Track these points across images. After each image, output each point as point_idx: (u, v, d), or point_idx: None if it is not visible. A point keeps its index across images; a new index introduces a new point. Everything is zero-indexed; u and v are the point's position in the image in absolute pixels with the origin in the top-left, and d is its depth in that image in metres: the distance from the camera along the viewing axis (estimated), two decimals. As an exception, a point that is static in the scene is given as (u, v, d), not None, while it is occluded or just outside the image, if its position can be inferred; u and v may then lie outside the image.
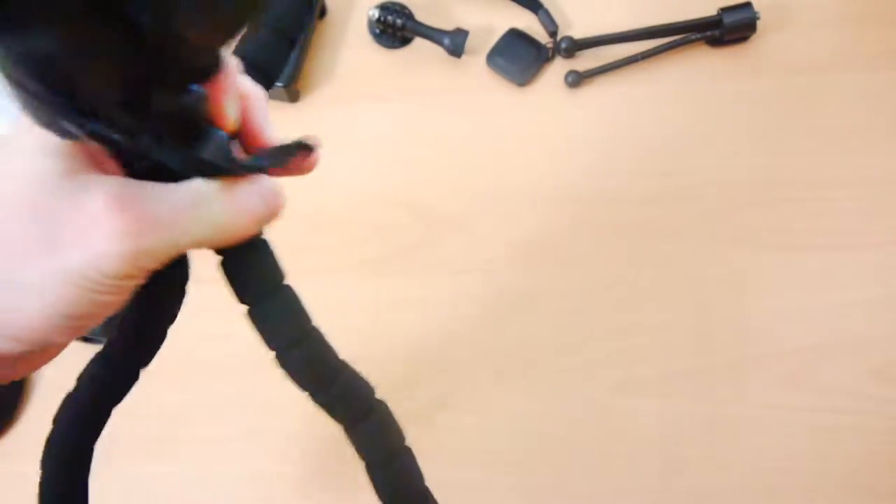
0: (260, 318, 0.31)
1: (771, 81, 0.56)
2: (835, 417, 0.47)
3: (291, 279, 0.55)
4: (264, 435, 0.51)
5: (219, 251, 0.28)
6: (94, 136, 0.21)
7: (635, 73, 0.57)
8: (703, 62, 0.57)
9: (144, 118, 0.22)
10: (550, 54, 0.58)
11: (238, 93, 0.26)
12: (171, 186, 0.24)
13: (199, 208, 0.24)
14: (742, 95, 0.56)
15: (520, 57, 0.57)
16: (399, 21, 0.58)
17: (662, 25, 0.56)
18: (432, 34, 0.58)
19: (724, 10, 0.55)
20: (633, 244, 0.52)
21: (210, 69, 0.22)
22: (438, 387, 0.50)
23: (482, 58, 0.58)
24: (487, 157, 0.56)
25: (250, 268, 0.30)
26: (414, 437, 0.49)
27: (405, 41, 0.60)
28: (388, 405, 0.34)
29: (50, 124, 0.21)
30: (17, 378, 0.27)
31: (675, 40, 0.56)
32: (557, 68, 0.58)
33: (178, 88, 0.22)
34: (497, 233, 0.54)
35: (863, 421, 0.47)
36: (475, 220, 0.54)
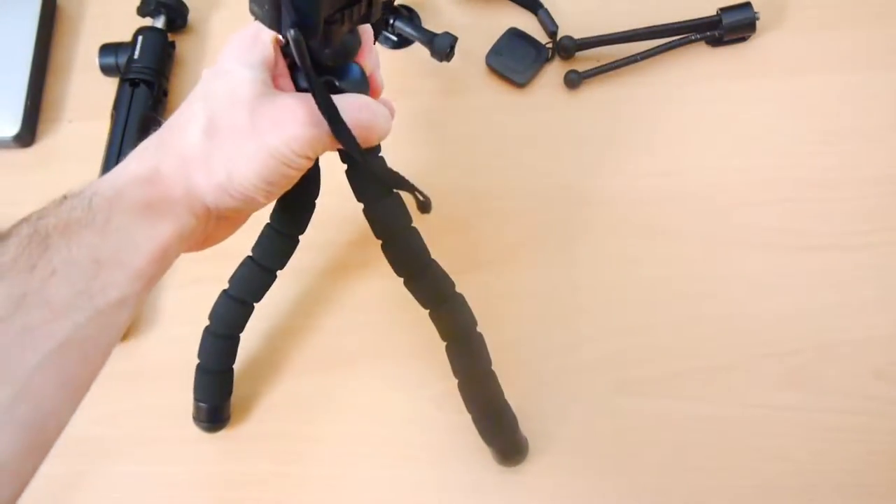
0: (372, 215, 0.40)
1: (771, 81, 0.56)
2: (835, 417, 0.47)
3: (291, 278, 0.55)
4: (262, 435, 0.51)
5: (347, 161, 0.39)
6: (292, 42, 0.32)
7: (635, 73, 0.57)
8: (703, 62, 0.57)
9: (331, 39, 0.34)
10: (550, 54, 0.58)
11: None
12: (337, 97, 0.34)
13: (354, 113, 0.35)
14: (742, 95, 0.56)
15: (520, 57, 0.57)
16: (391, 21, 0.57)
17: (662, 25, 0.56)
18: (420, 36, 0.57)
19: (724, 10, 0.55)
20: (633, 244, 0.52)
21: (370, 19, 0.36)
22: (438, 386, 0.50)
23: (482, 58, 0.58)
24: (487, 157, 0.56)
25: (368, 174, 0.39)
26: (414, 437, 0.49)
27: (406, 42, 0.60)
28: (464, 297, 0.43)
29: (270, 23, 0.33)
30: (223, 238, 0.39)
31: (674, 40, 0.56)
32: (557, 68, 0.58)
33: (354, 23, 0.35)
34: (497, 233, 0.54)
35: (863, 421, 0.47)
36: (475, 220, 0.54)
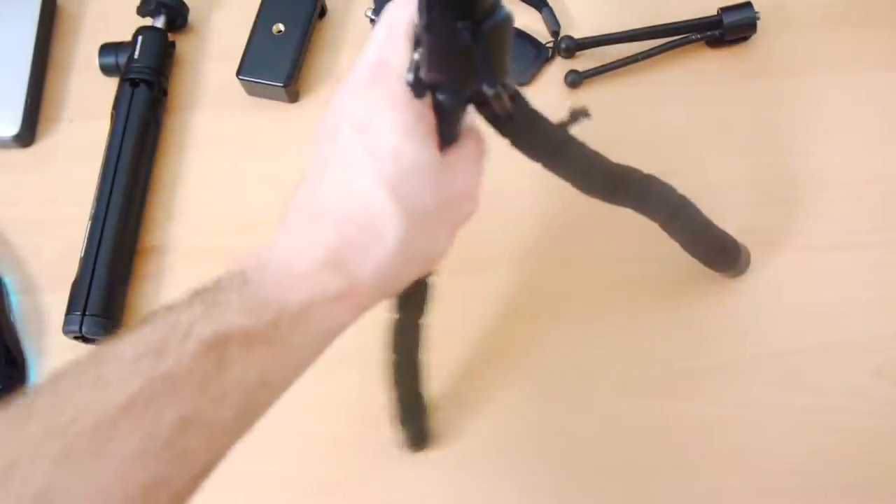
0: (562, 167, 0.41)
1: (771, 81, 0.56)
2: (835, 417, 0.47)
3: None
4: (261, 435, 0.50)
5: (507, 134, 0.39)
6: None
7: (635, 73, 0.57)
8: (703, 62, 0.57)
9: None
10: (550, 54, 0.58)
11: None
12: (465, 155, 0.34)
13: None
14: (742, 95, 0.56)
15: (520, 57, 0.57)
16: None
17: (662, 25, 0.56)
18: None
19: (724, 10, 0.55)
20: (633, 244, 0.52)
21: None
22: (438, 387, 0.50)
23: (482, 58, 0.58)
24: (488, 156, 0.56)
25: (536, 137, 0.40)
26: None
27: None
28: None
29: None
30: None
31: (675, 40, 0.56)
32: (557, 68, 0.58)
33: None
34: (497, 233, 0.54)
35: (863, 421, 0.47)
36: (475, 221, 0.54)
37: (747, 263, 0.50)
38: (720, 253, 0.47)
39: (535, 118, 0.38)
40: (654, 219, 0.43)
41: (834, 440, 0.47)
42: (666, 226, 0.44)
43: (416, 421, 0.47)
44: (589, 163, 0.41)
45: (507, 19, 0.29)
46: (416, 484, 0.48)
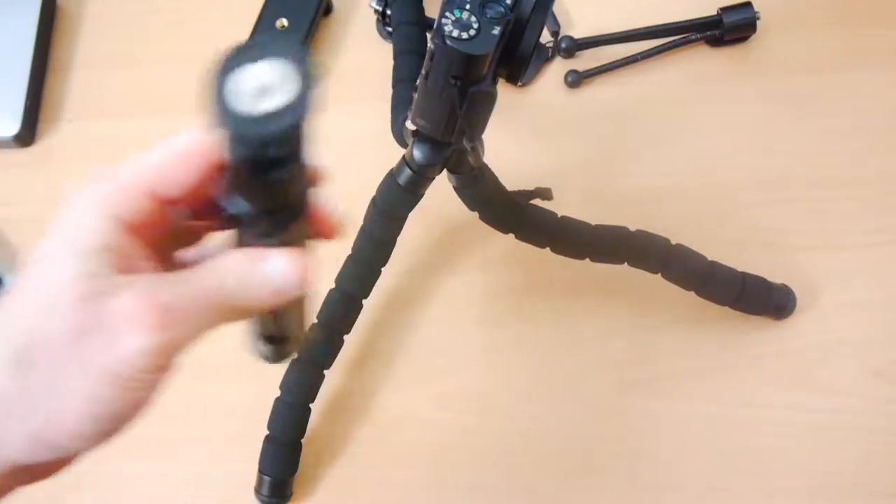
0: (527, 236, 0.45)
1: (771, 81, 0.56)
2: (835, 417, 0.47)
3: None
4: (261, 435, 0.50)
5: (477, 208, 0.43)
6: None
7: (635, 73, 0.57)
8: (703, 62, 0.57)
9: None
10: (550, 54, 0.58)
11: None
12: (195, 272, 0.24)
13: (221, 290, 0.24)
14: (742, 95, 0.56)
15: (520, 57, 0.57)
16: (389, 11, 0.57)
17: (662, 25, 0.56)
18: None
19: (724, 9, 0.55)
20: (633, 244, 0.52)
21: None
22: (438, 386, 0.50)
23: (482, 58, 0.58)
24: (486, 157, 0.56)
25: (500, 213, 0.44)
26: (414, 437, 0.49)
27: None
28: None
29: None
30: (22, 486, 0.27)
31: (675, 40, 0.56)
32: (557, 68, 0.58)
33: None
34: (496, 233, 0.54)
35: (863, 421, 0.47)
36: (475, 220, 0.54)
37: (791, 304, 0.48)
38: (744, 296, 0.47)
39: (501, 190, 0.43)
40: (651, 271, 0.46)
41: (834, 440, 0.47)
42: (666, 276, 0.46)
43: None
44: (557, 229, 0.44)
45: (491, 92, 0.33)
46: (412, 481, 0.48)
